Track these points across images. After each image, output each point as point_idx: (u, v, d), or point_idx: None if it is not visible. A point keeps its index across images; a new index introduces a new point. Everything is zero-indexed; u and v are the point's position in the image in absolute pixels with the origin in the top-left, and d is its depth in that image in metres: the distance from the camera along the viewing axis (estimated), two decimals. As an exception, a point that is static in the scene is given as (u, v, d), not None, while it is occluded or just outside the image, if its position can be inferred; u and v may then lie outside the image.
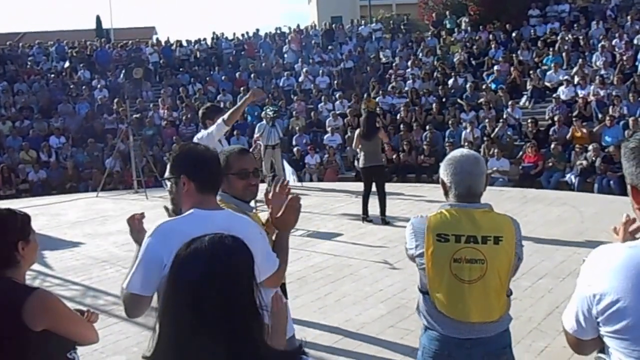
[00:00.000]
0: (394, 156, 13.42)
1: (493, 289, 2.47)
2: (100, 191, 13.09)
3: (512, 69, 17.20)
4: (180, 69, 22.19)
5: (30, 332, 2.11)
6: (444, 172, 2.59)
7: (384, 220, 8.73)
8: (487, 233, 2.47)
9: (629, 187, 1.57)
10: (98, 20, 38.74)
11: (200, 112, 5.80)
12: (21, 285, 2.23)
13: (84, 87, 20.24)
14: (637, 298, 1.45)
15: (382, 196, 8.81)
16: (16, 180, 15.46)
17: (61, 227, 9.72)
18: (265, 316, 1.53)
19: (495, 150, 13.04)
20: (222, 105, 18.21)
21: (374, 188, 8.89)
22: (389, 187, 9.54)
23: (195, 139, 5.29)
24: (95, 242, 8.56)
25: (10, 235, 2.20)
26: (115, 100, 18.62)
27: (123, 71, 17.90)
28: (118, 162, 15.33)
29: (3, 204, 10.44)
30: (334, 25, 25.23)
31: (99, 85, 20.30)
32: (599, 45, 16.70)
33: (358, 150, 9.13)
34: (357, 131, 9.13)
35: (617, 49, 16.36)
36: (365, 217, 8.89)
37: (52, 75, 21.51)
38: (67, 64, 22.32)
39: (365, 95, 17.75)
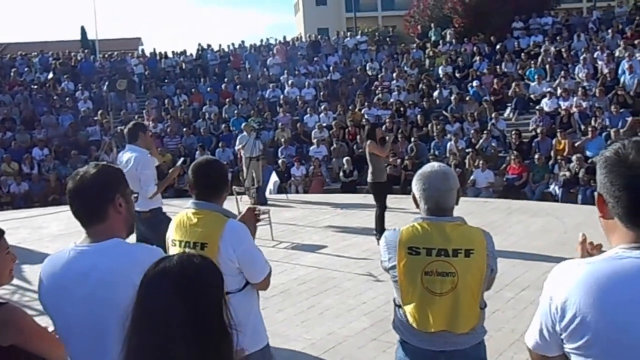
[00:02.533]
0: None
1: (465, 302, 2.49)
2: (82, 204, 12.94)
3: (496, 80, 17.36)
4: (166, 81, 22.14)
5: None
6: (414, 187, 2.63)
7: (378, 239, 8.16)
8: (458, 246, 2.49)
9: (596, 194, 1.58)
10: (83, 31, 38.63)
11: (127, 129, 5.73)
12: None
13: (67, 98, 20.11)
14: (598, 313, 1.44)
15: (375, 215, 8.23)
16: (-2, 193, 15.28)
17: (42, 241, 9.59)
18: (235, 335, 1.50)
19: (480, 162, 13.11)
20: (207, 116, 18.28)
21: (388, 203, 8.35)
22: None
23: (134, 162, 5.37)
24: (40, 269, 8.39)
25: None
26: (100, 112, 18.51)
27: (107, 83, 17.82)
28: (102, 174, 15.19)
29: (-18, 217, 10.23)
30: (319, 37, 25.32)
31: (83, 97, 20.19)
32: (581, 57, 16.91)
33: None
34: (370, 142, 8.15)
35: (599, 62, 16.57)
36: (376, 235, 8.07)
37: (35, 87, 21.37)
38: (50, 75, 22.18)
39: (350, 107, 17.84)
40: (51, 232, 10.39)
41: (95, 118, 18.60)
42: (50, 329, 2.32)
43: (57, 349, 2.26)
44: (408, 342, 2.59)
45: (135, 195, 5.18)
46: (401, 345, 2.65)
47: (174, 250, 2.83)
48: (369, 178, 8.28)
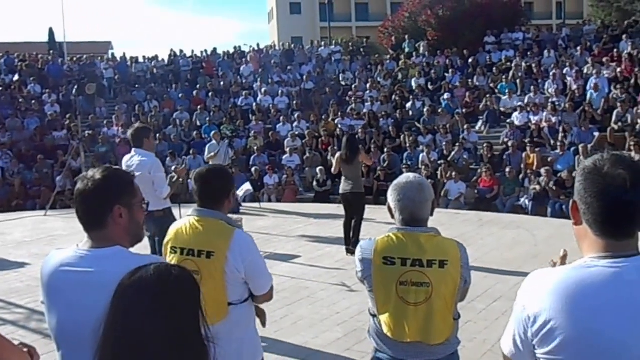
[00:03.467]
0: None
1: (439, 312, 2.51)
2: (49, 210, 12.63)
3: (468, 94, 17.57)
4: (136, 86, 21.84)
5: None
6: (390, 197, 2.65)
7: (348, 251, 8.00)
8: (433, 257, 2.51)
9: (571, 201, 1.65)
10: (51, 33, 37.97)
11: (131, 133, 5.84)
12: None
13: (33, 101, 19.65)
14: (568, 318, 1.51)
15: (356, 225, 8.03)
16: (-41, 197, 14.79)
17: (6, 247, 9.29)
18: (212, 348, 1.45)
19: (453, 173, 13.20)
20: (178, 122, 18.05)
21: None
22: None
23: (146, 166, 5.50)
24: (41, 263, 8.16)
25: None
26: (67, 116, 18.12)
27: (76, 86, 17.45)
28: (69, 180, 14.85)
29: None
30: (293, 46, 25.32)
31: (50, 100, 19.75)
32: (551, 73, 17.24)
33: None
34: (338, 154, 8.39)
35: (568, 78, 16.91)
36: (348, 247, 8.03)
37: (0, 89, 20.79)
38: (16, 77, 21.62)
39: (324, 117, 17.83)
40: (15, 238, 10.08)
41: (64, 122, 18.20)
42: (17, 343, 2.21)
43: (19, 358, 2.15)
44: (382, 351, 2.61)
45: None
46: (375, 355, 2.67)
47: (173, 257, 2.79)
48: (349, 188, 8.06)
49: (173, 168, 6.53)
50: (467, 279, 2.59)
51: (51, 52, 25.75)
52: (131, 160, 5.66)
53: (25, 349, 2.24)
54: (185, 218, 2.90)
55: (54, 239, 9.96)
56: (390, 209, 2.67)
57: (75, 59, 23.88)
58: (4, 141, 17.11)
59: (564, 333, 1.51)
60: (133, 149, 5.72)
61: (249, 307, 2.82)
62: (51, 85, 21.15)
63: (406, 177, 2.68)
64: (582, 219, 1.60)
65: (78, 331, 1.95)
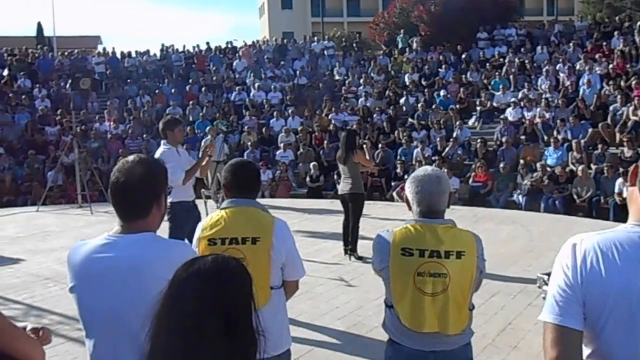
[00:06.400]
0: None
1: (455, 302, 2.54)
2: (40, 205, 12.55)
3: (461, 89, 17.60)
4: (128, 81, 21.69)
5: None
6: (407, 190, 2.69)
7: (346, 250, 7.79)
8: (450, 248, 2.55)
9: (634, 165, 1.71)
10: (39, 27, 37.61)
11: (160, 124, 6.18)
12: None
13: (24, 96, 19.48)
14: (604, 277, 1.59)
15: (352, 227, 7.71)
16: (-51, 193, 14.63)
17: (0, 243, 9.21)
18: (261, 341, 1.47)
19: (445, 169, 13.22)
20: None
21: None
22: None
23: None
24: (36, 259, 8.14)
25: None
26: (59, 111, 17.98)
27: (69, 81, 17.29)
28: (60, 175, 14.74)
29: None
30: (285, 41, 25.24)
31: (40, 95, 19.56)
32: (544, 69, 17.30)
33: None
34: (358, 152, 7.77)
35: (560, 74, 16.98)
36: (346, 248, 7.80)
37: (-10, 84, 20.60)
38: (6, 72, 21.40)
39: (317, 112, 17.80)
40: (8, 234, 10.00)
41: (55, 117, 18.05)
42: (29, 327, 2.20)
43: (34, 350, 2.15)
44: (398, 342, 2.63)
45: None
46: (391, 345, 2.69)
47: (213, 249, 2.81)
48: (346, 188, 7.71)
49: (203, 142, 6.83)
50: (483, 269, 2.63)
51: (40, 46, 25.49)
52: (156, 153, 6.05)
53: (35, 333, 2.24)
54: (218, 211, 2.94)
55: (47, 234, 9.90)
56: (407, 201, 2.71)
57: (66, 53, 23.64)
58: (-5, 136, 16.97)
59: (602, 290, 1.58)
60: (161, 142, 6.10)
61: (282, 293, 2.92)
62: (41, 80, 20.96)
63: (424, 169, 2.72)
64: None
65: (113, 317, 1.98)
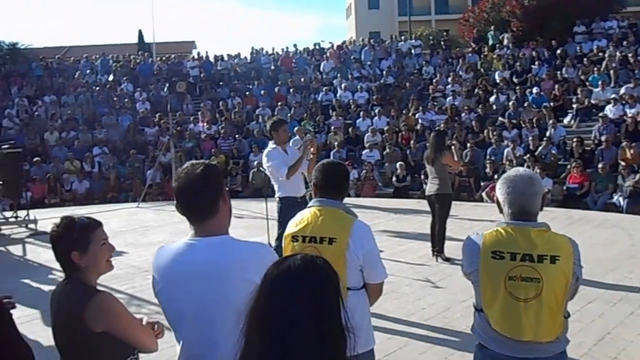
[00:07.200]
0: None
1: (549, 309, 2.45)
2: (140, 202, 13.27)
3: (556, 86, 16.88)
4: (220, 83, 22.48)
5: (91, 333, 2.16)
6: (498, 191, 2.62)
7: (434, 251, 7.68)
8: (544, 252, 2.45)
9: None
10: (140, 35, 39.68)
11: (267, 125, 6.93)
12: (88, 287, 2.29)
13: (126, 99, 20.68)
14: None
15: (439, 229, 7.63)
16: (61, 190, 15.78)
17: (103, 237, 9.83)
18: (352, 338, 1.50)
19: (538, 170, 12.73)
20: (260, 119, 18.45)
21: None
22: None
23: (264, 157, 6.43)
24: (137, 252, 8.66)
25: (61, 246, 2.30)
26: (158, 114, 18.95)
27: (167, 84, 18.18)
28: (158, 173, 15.53)
29: (48, 213, 10.64)
30: (372, 41, 25.23)
31: (141, 98, 20.71)
32: (649, 63, 16.26)
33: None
34: (447, 154, 7.69)
35: (668, 67, 15.90)
36: (434, 249, 7.73)
37: (97, 88, 22.05)
38: (111, 77, 22.86)
39: (404, 111, 17.68)
40: (112, 228, 10.65)
41: (153, 119, 19.05)
42: (145, 320, 2.38)
43: (147, 338, 2.34)
44: (488, 347, 2.57)
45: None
46: (480, 350, 2.63)
47: (294, 245, 2.90)
48: (434, 189, 7.63)
49: (305, 138, 7.21)
50: (579, 276, 2.51)
51: (140, 52, 26.95)
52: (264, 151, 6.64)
53: (150, 326, 2.43)
54: (307, 209, 3.02)
55: (146, 229, 10.48)
56: (498, 203, 2.64)
57: (164, 58, 24.87)
58: (101, 137, 18.13)
59: None
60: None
61: (365, 294, 2.90)
62: (141, 83, 22.18)
63: (516, 170, 2.65)
64: None
65: (199, 320, 2.05)
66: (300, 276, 1.46)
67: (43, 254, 8.74)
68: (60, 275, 2.42)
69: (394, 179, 14.57)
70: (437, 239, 7.66)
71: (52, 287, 2.42)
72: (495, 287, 2.49)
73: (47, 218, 10.72)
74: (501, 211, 2.63)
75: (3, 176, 11.16)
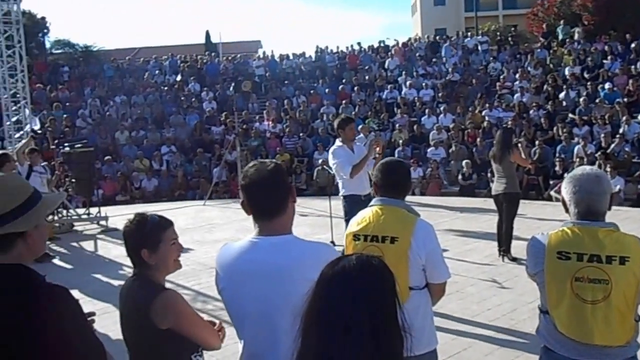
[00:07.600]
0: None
1: (618, 312, 2.37)
2: (207, 200, 13.62)
3: (630, 81, 16.14)
4: (285, 82, 22.74)
5: (156, 329, 2.21)
6: (564, 190, 2.57)
7: (500, 251, 7.56)
8: (612, 253, 2.38)
9: None
10: (207, 35, 40.65)
11: (334, 123, 6.91)
12: (155, 284, 2.35)
13: (193, 99, 21.20)
14: None
15: (506, 229, 7.51)
16: (130, 187, 16.40)
17: (172, 233, 10.17)
18: (408, 339, 1.49)
19: (609, 167, 12.23)
20: (325, 117, 18.57)
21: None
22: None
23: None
24: (203, 249, 8.90)
25: (132, 242, 2.36)
26: (224, 113, 19.39)
27: (233, 84, 18.55)
28: (224, 171, 15.89)
29: (119, 210, 11.03)
30: (438, 38, 24.89)
31: (207, 97, 21.22)
32: None
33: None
34: (515, 152, 7.54)
35: None
36: (500, 249, 7.61)
37: (165, 88, 22.75)
38: (179, 77, 23.55)
39: (470, 109, 17.36)
40: (179, 225, 10.75)
41: (220, 118, 19.49)
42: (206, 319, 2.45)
43: (211, 336, 2.38)
44: (553, 349, 2.51)
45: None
46: (545, 353, 2.57)
47: (357, 244, 2.91)
48: (501, 188, 7.52)
49: (371, 137, 7.31)
50: None
51: (207, 52, 27.62)
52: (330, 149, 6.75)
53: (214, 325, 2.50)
54: (368, 208, 3.01)
55: (212, 226, 10.76)
56: (564, 203, 2.59)
57: (230, 58, 25.37)
58: (169, 136, 18.69)
59: None
60: None
61: (427, 294, 2.87)
62: (208, 83, 22.72)
63: (582, 169, 2.59)
64: None
65: (263, 318, 2.07)
66: (356, 277, 1.45)
67: (113, 250, 9.10)
68: (129, 271, 2.48)
69: (459, 177, 14.35)
70: (504, 238, 7.53)
71: (122, 282, 2.49)
72: (561, 289, 2.43)
73: (118, 215, 11.21)
74: (567, 211, 2.57)
75: (76, 174, 11.62)
